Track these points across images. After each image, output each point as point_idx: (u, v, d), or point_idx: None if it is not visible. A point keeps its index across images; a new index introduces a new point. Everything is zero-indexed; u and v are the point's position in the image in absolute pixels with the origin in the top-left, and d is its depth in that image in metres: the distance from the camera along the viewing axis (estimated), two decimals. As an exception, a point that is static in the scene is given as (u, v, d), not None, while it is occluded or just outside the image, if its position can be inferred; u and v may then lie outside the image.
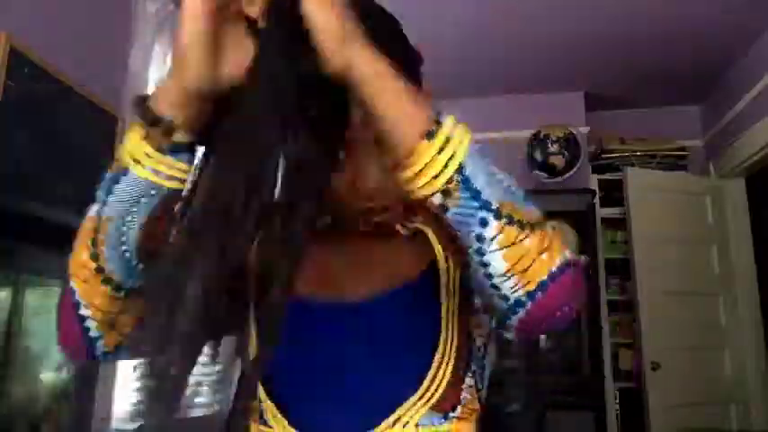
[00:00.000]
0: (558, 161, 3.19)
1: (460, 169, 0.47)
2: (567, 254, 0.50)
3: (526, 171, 3.32)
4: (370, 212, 0.68)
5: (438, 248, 0.67)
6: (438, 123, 0.48)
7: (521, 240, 0.48)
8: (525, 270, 0.48)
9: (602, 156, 3.53)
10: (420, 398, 0.62)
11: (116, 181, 0.54)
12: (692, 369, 3.11)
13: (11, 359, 1.44)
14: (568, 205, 3.22)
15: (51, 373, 1.59)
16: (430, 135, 0.47)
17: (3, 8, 1.48)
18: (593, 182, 3.44)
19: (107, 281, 0.55)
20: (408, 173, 0.49)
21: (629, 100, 3.61)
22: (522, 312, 0.50)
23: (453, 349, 0.64)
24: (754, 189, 3.41)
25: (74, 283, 0.56)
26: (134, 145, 0.53)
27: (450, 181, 0.47)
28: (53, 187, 1.60)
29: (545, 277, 0.49)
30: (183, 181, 0.54)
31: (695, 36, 2.89)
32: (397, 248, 0.69)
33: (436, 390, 0.63)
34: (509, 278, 0.49)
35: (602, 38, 2.92)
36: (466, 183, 0.47)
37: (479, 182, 0.48)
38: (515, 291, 0.49)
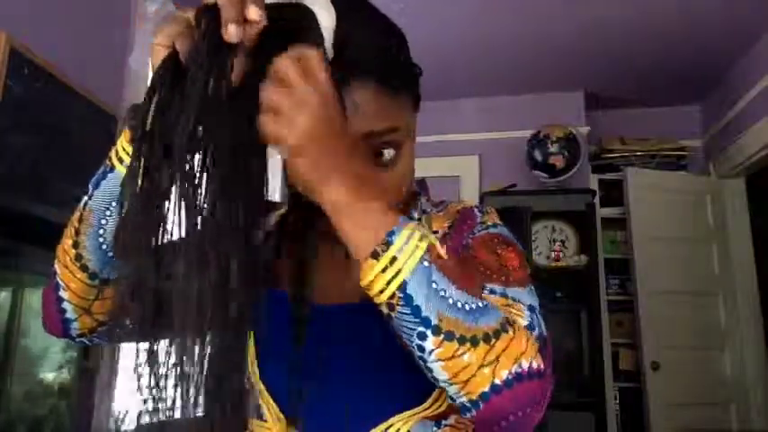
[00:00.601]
0: (558, 161, 3.19)
1: (403, 286, 0.50)
2: (524, 365, 0.51)
3: (526, 171, 3.32)
4: None
5: None
6: (387, 245, 0.50)
7: (460, 355, 0.49)
8: (466, 381, 0.50)
9: (602, 156, 3.53)
10: (419, 412, 0.63)
11: (104, 176, 0.60)
12: (692, 369, 3.11)
13: (11, 359, 1.44)
14: (568, 205, 3.22)
15: (51, 373, 1.59)
16: (375, 255, 0.50)
17: (3, 8, 1.48)
18: (594, 182, 3.44)
19: (83, 268, 0.60)
20: (361, 281, 0.52)
21: (629, 100, 3.61)
22: (470, 414, 0.52)
23: None
24: (754, 189, 3.41)
25: (57, 266, 0.62)
26: (121, 145, 0.58)
27: (392, 297, 0.50)
28: (53, 187, 1.60)
29: (486, 389, 0.50)
30: None
31: (695, 36, 2.89)
32: None
33: (439, 407, 0.63)
34: (451, 385, 0.51)
35: (602, 38, 2.92)
36: (407, 299, 0.50)
37: (421, 299, 0.50)
38: (459, 397, 0.51)
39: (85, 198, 0.61)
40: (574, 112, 3.44)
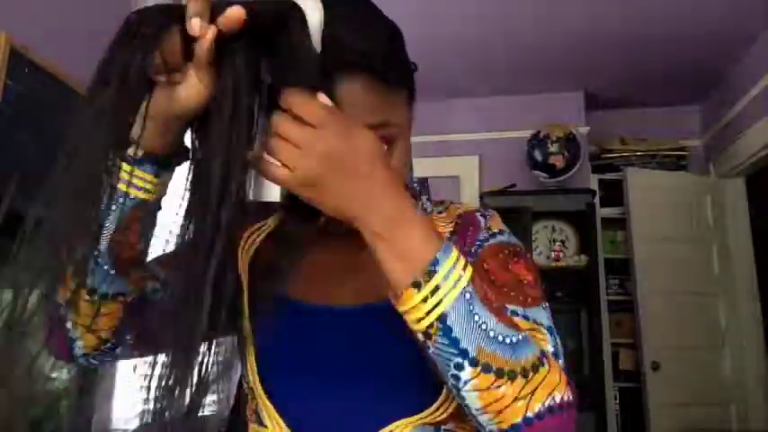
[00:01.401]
0: (558, 161, 3.19)
1: (443, 317, 0.49)
2: (557, 398, 0.51)
3: (526, 171, 3.32)
4: None
5: None
6: (429, 274, 0.49)
7: (496, 387, 0.50)
8: (499, 412, 0.50)
9: (602, 156, 3.53)
10: (421, 418, 0.63)
11: None
12: (692, 369, 3.11)
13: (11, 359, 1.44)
14: (568, 205, 3.22)
15: (51, 373, 1.59)
16: (417, 285, 0.49)
17: (3, 8, 1.48)
18: (594, 182, 3.44)
19: (81, 284, 0.58)
20: (397, 305, 0.51)
21: (629, 100, 3.61)
22: None
23: None
24: (754, 189, 3.41)
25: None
26: None
27: (431, 326, 0.49)
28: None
29: (519, 420, 0.50)
30: (148, 191, 0.55)
31: (695, 36, 2.89)
32: None
33: (440, 415, 0.63)
34: (483, 414, 0.51)
35: (602, 38, 2.92)
36: (446, 331, 0.49)
37: (459, 330, 0.49)
38: (489, 425, 0.52)
39: None
40: (574, 112, 3.44)
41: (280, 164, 0.49)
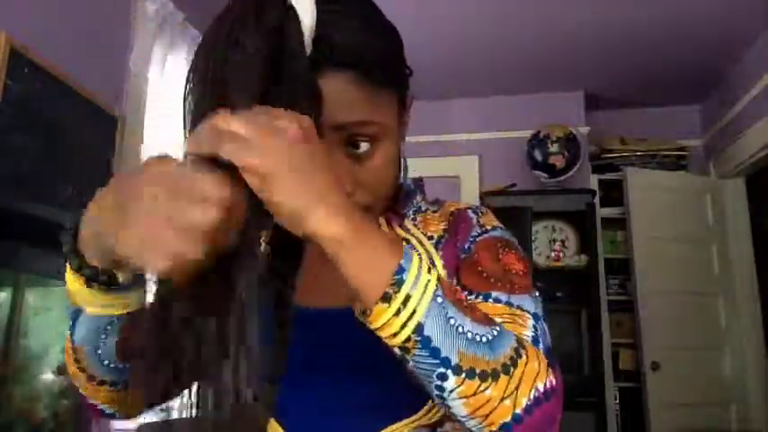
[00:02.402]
0: (558, 161, 3.19)
1: (419, 328, 0.46)
2: (540, 387, 0.50)
3: (526, 171, 3.32)
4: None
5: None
6: (398, 285, 0.46)
7: (482, 391, 0.48)
8: (487, 415, 0.49)
9: (602, 156, 3.53)
10: (415, 420, 0.63)
11: (77, 315, 0.56)
12: (692, 369, 3.11)
13: (11, 359, 1.44)
14: (568, 205, 3.22)
15: (51, 373, 1.59)
16: (387, 298, 0.46)
17: (3, 8, 1.48)
18: (594, 182, 3.44)
19: (101, 383, 0.58)
20: (368, 323, 0.48)
21: (629, 100, 3.61)
22: None
23: None
24: (754, 189, 3.41)
25: (76, 383, 0.60)
26: (76, 290, 0.52)
27: (408, 340, 0.47)
28: (53, 187, 1.60)
29: (508, 419, 0.49)
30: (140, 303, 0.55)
31: (695, 36, 2.89)
32: None
33: (435, 414, 0.63)
34: (471, 420, 0.49)
35: (602, 38, 2.92)
36: (424, 342, 0.47)
37: (438, 339, 0.47)
38: (479, 430, 0.50)
39: (69, 332, 0.58)
40: (574, 112, 3.44)
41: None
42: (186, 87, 0.50)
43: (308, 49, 0.52)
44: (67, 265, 0.51)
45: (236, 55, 0.47)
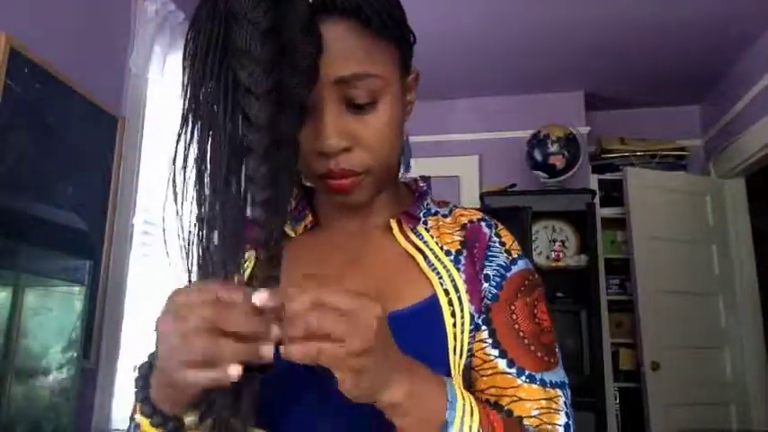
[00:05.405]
0: (558, 161, 3.19)
1: None
2: None
3: (526, 171, 3.32)
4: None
5: (436, 282, 0.65)
6: None
7: None
8: None
9: (602, 156, 3.53)
10: None
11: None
12: (692, 369, 3.11)
13: (11, 359, 1.44)
14: (568, 205, 3.22)
15: (51, 373, 1.59)
16: None
17: (3, 8, 1.48)
18: (594, 182, 3.44)
19: None
20: None
21: (629, 100, 3.61)
22: None
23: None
24: (754, 189, 3.41)
25: None
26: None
27: None
28: (53, 187, 1.60)
29: None
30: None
31: (695, 36, 2.89)
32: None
33: None
34: None
35: (602, 38, 2.93)
36: None
37: None
38: None
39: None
40: (574, 112, 3.44)
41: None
42: (188, 48, 0.49)
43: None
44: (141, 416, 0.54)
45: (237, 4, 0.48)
